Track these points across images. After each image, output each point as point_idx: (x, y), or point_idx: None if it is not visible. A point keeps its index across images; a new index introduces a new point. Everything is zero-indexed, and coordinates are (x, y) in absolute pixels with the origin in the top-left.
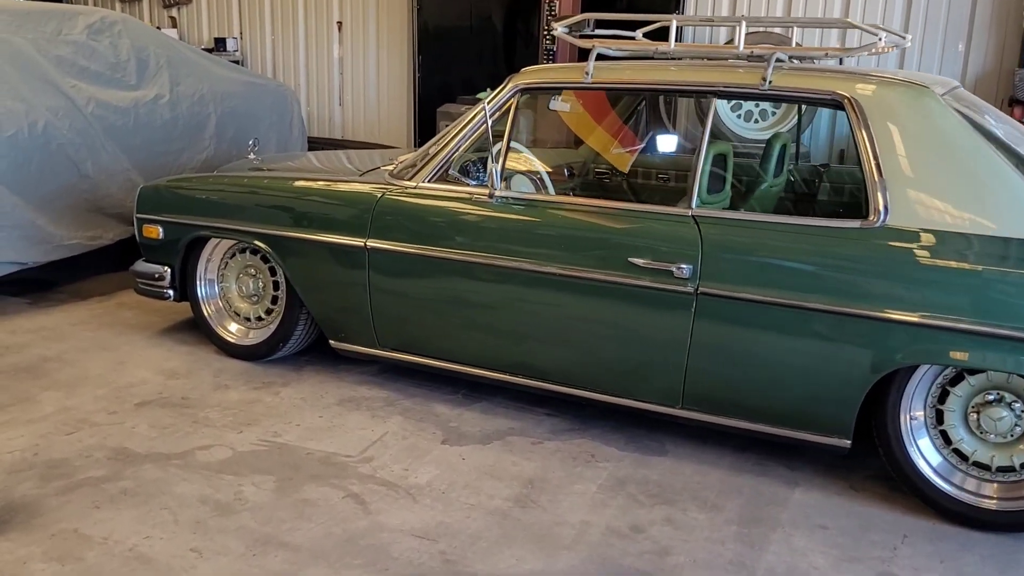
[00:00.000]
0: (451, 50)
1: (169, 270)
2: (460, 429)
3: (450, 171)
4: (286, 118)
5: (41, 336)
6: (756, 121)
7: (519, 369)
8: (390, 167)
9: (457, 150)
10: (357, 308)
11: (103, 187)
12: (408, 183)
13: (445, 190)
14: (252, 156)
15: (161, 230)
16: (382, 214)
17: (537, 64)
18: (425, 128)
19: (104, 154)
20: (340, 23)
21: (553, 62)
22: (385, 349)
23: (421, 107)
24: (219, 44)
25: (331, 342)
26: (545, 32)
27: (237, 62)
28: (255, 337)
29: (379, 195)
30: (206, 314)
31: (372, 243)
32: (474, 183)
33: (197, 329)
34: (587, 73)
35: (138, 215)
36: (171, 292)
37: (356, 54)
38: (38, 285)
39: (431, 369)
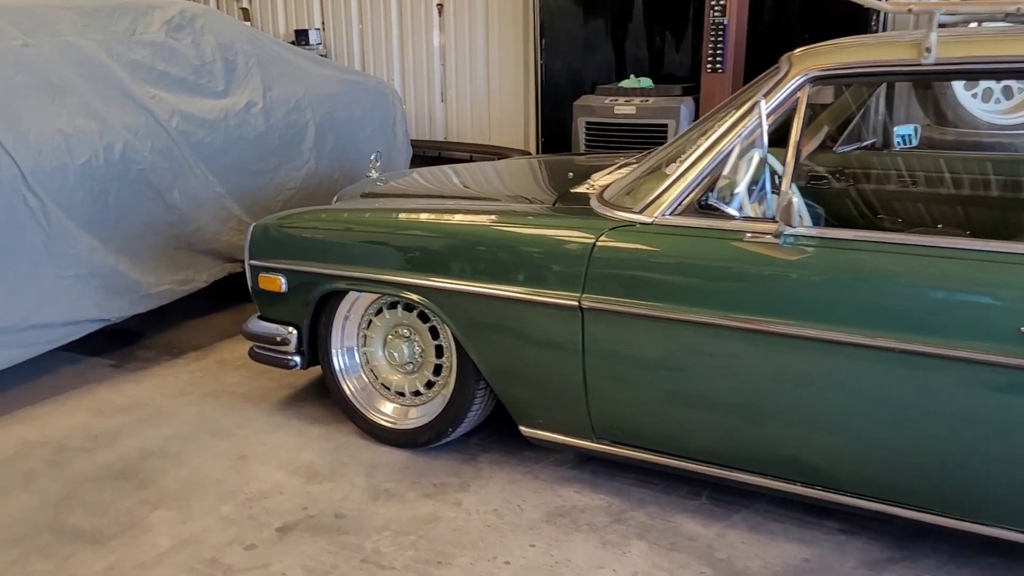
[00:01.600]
0: (582, 30)
1: (295, 332)
2: (734, 563)
3: (711, 198)
4: (388, 122)
5: (135, 418)
6: (997, 101)
7: (808, 476)
8: (585, 189)
9: (713, 167)
10: (566, 387)
11: (193, 219)
12: (640, 217)
13: (703, 227)
14: (374, 175)
15: (284, 281)
16: (605, 261)
17: (703, 46)
18: (551, 126)
19: (192, 178)
20: (440, 5)
21: (724, 37)
22: (603, 442)
23: (545, 100)
24: (300, 37)
25: (522, 429)
26: (713, 2)
27: (323, 57)
28: (417, 418)
29: (596, 235)
30: (348, 393)
31: (591, 301)
32: (736, 212)
33: (325, 397)
34: (927, 50)
35: (252, 262)
36: (297, 360)
37: (461, 40)
38: (121, 338)
39: (667, 469)
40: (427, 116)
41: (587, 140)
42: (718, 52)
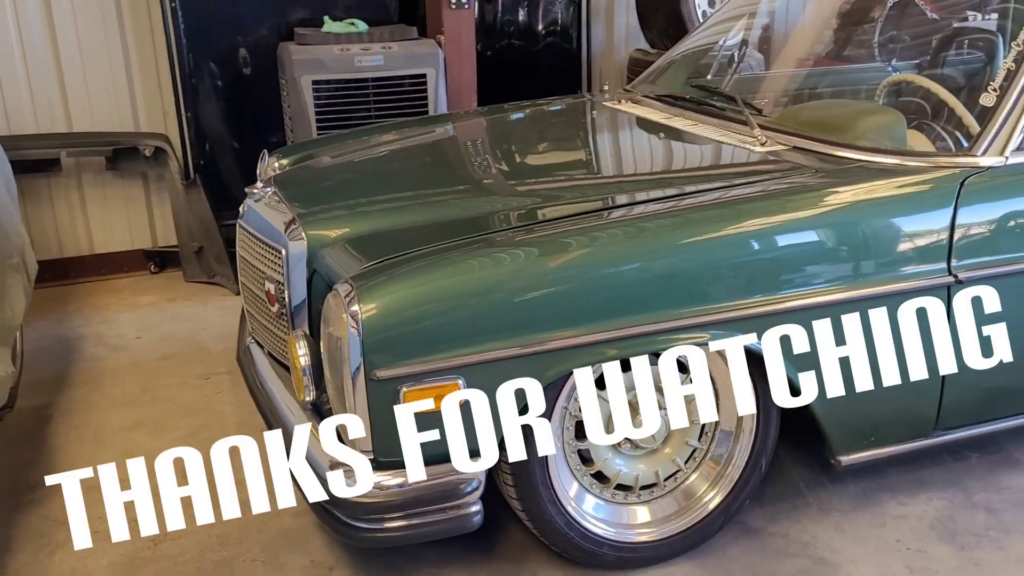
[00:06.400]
0: None
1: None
2: None
3: None
4: None
5: None
6: None
7: None
8: (755, 148)
9: None
10: (920, 385)
11: None
12: (985, 160)
13: None
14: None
15: (464, 385)
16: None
17: None
18: (202, 96)
19: None
20: None
21: None
22: (937, 435)
23: (185, 58)
24: None
25: (841, 459)
26: None
27: None
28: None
29: (948, 189)
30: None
31: (964, 270)
32: None
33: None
34: None
35: (387, 373)
36: (480, 507)
37: None
38: None
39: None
40: None
41: (318, 105)
42: None
